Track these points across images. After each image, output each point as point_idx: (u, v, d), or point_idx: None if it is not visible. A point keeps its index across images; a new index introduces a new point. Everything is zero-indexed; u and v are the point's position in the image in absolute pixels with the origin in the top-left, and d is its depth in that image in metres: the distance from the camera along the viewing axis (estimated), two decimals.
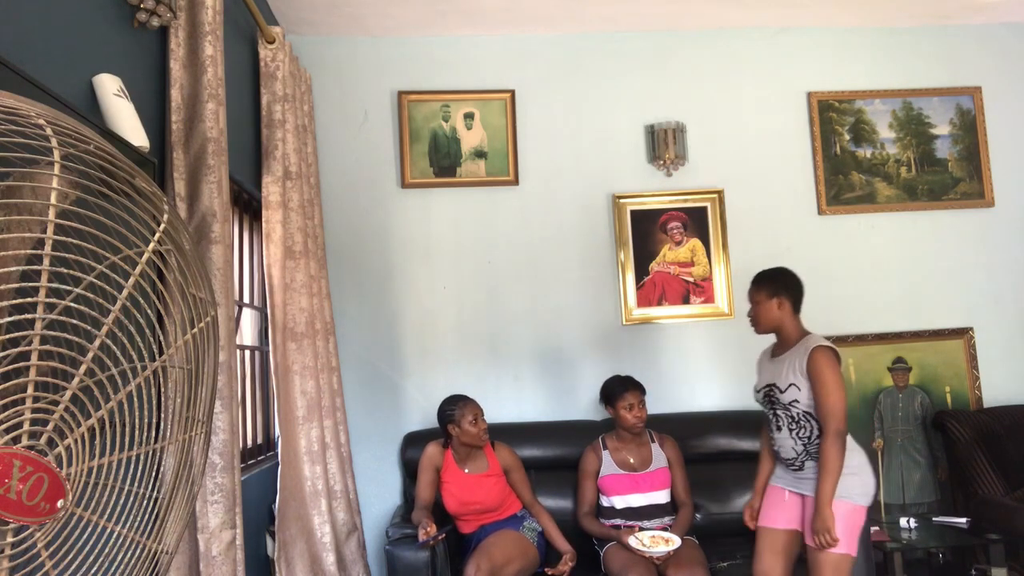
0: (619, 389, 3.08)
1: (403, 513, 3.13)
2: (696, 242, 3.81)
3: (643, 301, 3.76)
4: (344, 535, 3.14)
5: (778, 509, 2.54)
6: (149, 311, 1.16)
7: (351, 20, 3.67)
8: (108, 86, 1.77)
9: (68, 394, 1.02)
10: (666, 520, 3.01)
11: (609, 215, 3.82)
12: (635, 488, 3.04)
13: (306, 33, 3.77)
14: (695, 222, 3.82)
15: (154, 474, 1.21)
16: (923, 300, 3.88)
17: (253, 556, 2.73)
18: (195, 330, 1.27)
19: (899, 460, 3.75)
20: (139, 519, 1.19)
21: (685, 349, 3.76)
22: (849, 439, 2.41)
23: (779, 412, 2.50)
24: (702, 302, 3.78)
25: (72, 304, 1.01)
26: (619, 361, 3.68)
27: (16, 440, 0.97)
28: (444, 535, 2.75)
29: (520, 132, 3.83)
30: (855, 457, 2.40)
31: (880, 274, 3.88)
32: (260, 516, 2.89)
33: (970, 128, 3.99)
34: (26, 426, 0.97)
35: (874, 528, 3.15)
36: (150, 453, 1.20)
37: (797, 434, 2.45)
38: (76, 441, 1.04)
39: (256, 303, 3.19)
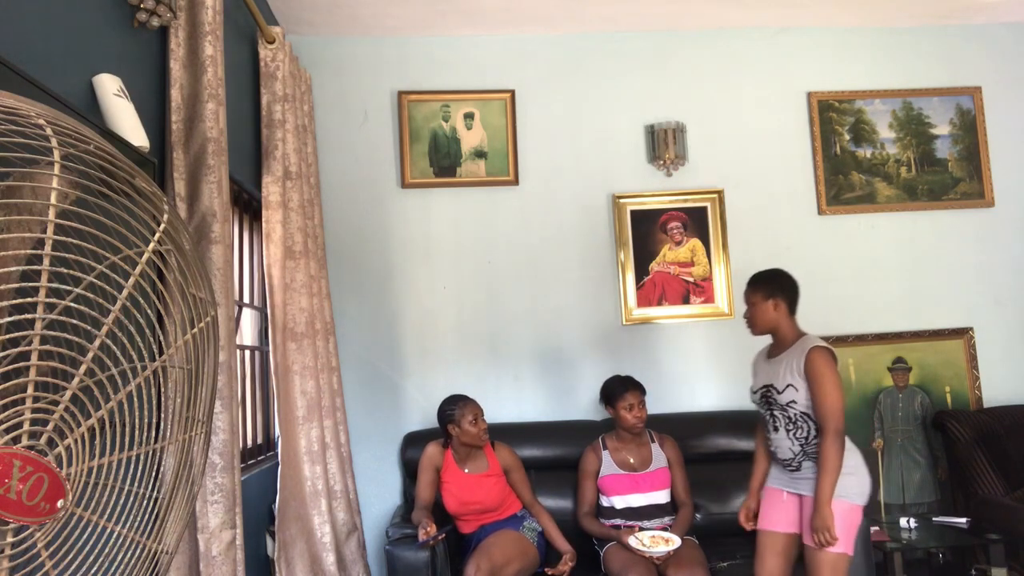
0: (619, 389, 3.08)
1: (403, 513, 3.13)
2: (696, 242, 3.81)
3: (643, 301, 3.76)
4: (344, 535, 3.14)
5: (777, 511, 2.55)
6: (149, 311, 1.16)
7: (351, 20, 3.67)
8: (108, 86, 1.77)
9: (68, 394, 1.02)
10: (666, 520, 3.01)
11: (609, 215, 3.82)
12: (635, 488, 3.04)
13: (306, 33, 3.77)
14: (695, 222, 3.82)
15: (154, 474, 1.21)
16: (923, 300, 3.88)
17: (253, 556, 2.73)
18: (195, 330, 1.27)
19: (899, 460, 3.75)
20: (139, 519, 1.19)
21: (685, 349, 3.76)
22: (846, 439, 2.41)
23: (776, 413, 2.50)
24: (702, 302, 3.78)
25: (72, 304, 1.01)
26: (619, 361, 3.68)
27: (16, 440, 0.97)
28: (444, 535, 2.75)
29: (520, 132, 3.83)
30: (852, 457, 2.42)
31: (880, 274, 3.88)
32: (260, 516, 2.89)
33: (970, 128, 3.99)
34: (26, 426, 0.97)
35: (874, 528, 3.16)
36: (150, 453, 1.20)
37: (794, 435, 2.46)
38: (76, 441, 1.04)
39: (256, 303, 3.19)
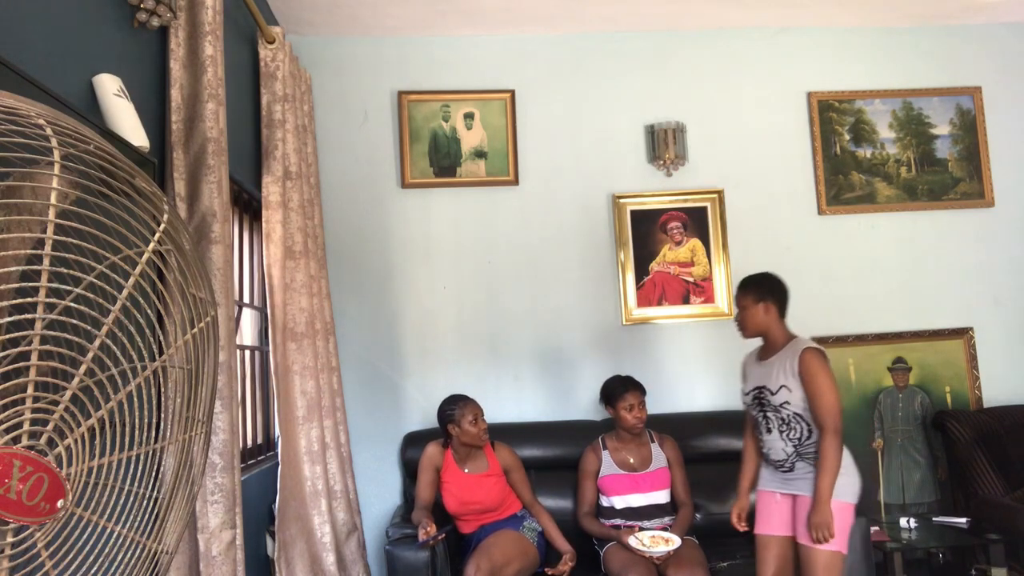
0: (619, 390, 3.08)
1: (403, 513, 3.13)
2: (696, 242, 3.81)
3: (643, 301, 3.76)
4: (344, 535, 3.14)
5: (772, 514, 2.57)
6: (149, 311, 1.16)
7: (351, 20, 3.67)
8: (108, 86, 1.77)
9: (68, 394, 1.02)
10: (666, 520, 3.01)
11: (609, 215, 3.82)
12: (635, 488, 3.04)
13: (306, 33, 3.77)
14: (695, 222, 3.82)
15: (154, 474, 1.21)
16: (923, 300, 3.88)
17: (253, 556, 2.73)
18: (195, 330, 1.27)
19: (899, 460, 3.75)
20: (139, 519, 1.19)
21: (685, 349, 3.76)
22: None
23: (769, 414, 2.53)
24: (702, 302, 3.78)
25: (72, 304, 1.01)
26: (619, 361, 3.68)
27: (16, 440, 0.97)
28: (444, 535, 2.75)
29: (520, 132, 3.83)
30: (844, 457, 2.45)
31: (880, 274, 3.88)
32: (260, 516, 2.89)
33: (970, 128, 3.99)
34: (26, 426, 0.97)
35: (874, 528, 3.16)
36: (150, 453, 1.20)
37: (787, 435, 2.49)
38: (76, 441, 1.04)
39: (256, 303, 3.19)
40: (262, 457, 3.14)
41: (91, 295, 1.03)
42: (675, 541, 2.76)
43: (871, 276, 3.88)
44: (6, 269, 0.95)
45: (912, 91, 3.99)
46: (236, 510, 2.12)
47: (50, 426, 1.01)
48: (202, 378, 1.30)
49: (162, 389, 1.22)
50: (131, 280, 1.10)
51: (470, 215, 3.77)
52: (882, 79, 4.00)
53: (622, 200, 3.80)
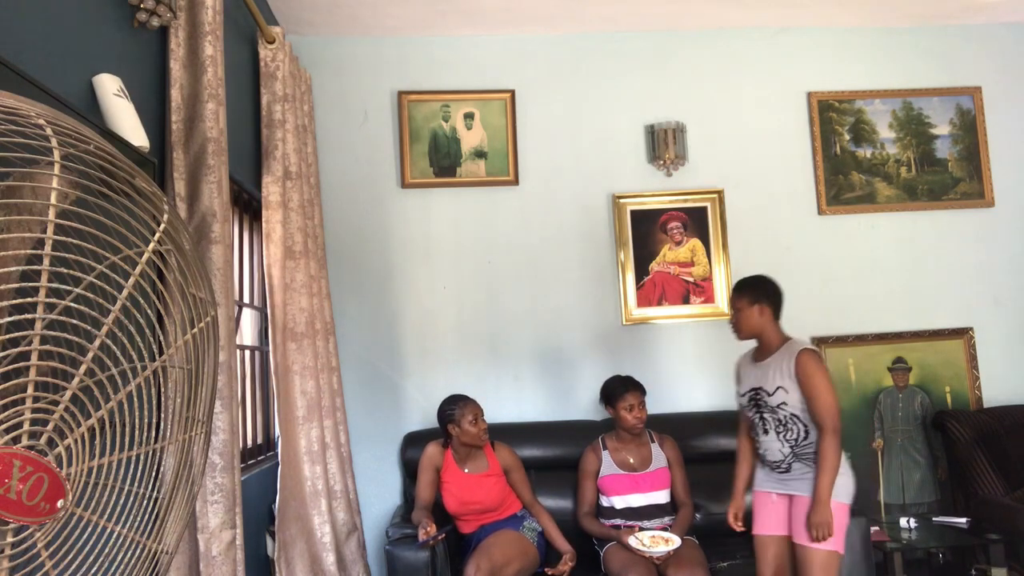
0: (620, 390, 3.08)
1: (403, 513, 3.13)
2: (696, 242, 3.81)
3: (643, 301, 3.76)
4: (344, 535, 3.14)
5: (769, 515, 2.59)
6: (149, 311, 1.16)
7: (351, 20, 3.67)
8: (108, 86, 1.77)
9: (68, 394, 1.02)
10: (666, 520, 3.01)
11: (609, 215, 3.82)
12: (635, 488, 3.04)
13: (306, 33, 3.77)
14: (695, 222, 3.82)
15: (154, 474, 1.21)
16: (923, 300, 3.88)
17: (253, 556, 2.73)
18: (195, 330, 1.27)
19: (899, 460, 3.75)
20: (139, 519, 1.19)
21: (685, 349, 3.76)
22: None
23: (766, 415, 2.55)
24: (702, 302, 3.78)
25: (72, 304, 1.01)
26: (619, 361, 3.68)
27: (16, 440, 0.97)
28: (444, 535, 2.75)
29: (520, 132, 3.83)
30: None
31: (880, 274, 3.88)
32: (260, 516, 2.89)
33: (970, 128, 3.99)
34: (26, 426, 0.97)
35: (874, 528, 3.16)
36: (150, 453, 1.20)
37: (784, 436, 2.50)
38: (76, 441, 1.04)
39: (256, 303, 3.19)
40: (262, 457, 3.14)
41: (91, 295, 1.03)
42: (675, 541, 2.76)
43: (871, 276, 3.88)
44: (6, 269, 0.95)
45: (912, 91, 3.99)
46: (236, 510, 2.12)
47: (50, 426, 1.01)
48: (202, 378, 1.30)
49: (162, 389, 1.22)
50: (131, 280, 1.10)
51: (470, 215, 3.77)
52: (882, 79, 4.00)
53: (622, 200, 3.80)
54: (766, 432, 2.55)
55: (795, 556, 2.48)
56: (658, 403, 3.58)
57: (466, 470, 3.00)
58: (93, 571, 1.08)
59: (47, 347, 0.99)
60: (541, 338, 3.73)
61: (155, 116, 2.13)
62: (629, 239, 3.78)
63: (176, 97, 2.16)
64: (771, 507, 2.58)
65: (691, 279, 3.79)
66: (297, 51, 3.68)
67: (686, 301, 3.78)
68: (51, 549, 1.02)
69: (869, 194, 3.92)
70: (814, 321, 3.83)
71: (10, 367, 0.95)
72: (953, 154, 3.98)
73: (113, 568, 1.14)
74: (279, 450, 2.74)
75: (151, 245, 1.15)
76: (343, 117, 3.79)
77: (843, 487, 2.44)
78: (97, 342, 1.05)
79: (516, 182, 3.78)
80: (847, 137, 3.94)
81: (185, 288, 1.25)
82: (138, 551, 1.19)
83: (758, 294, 2.57)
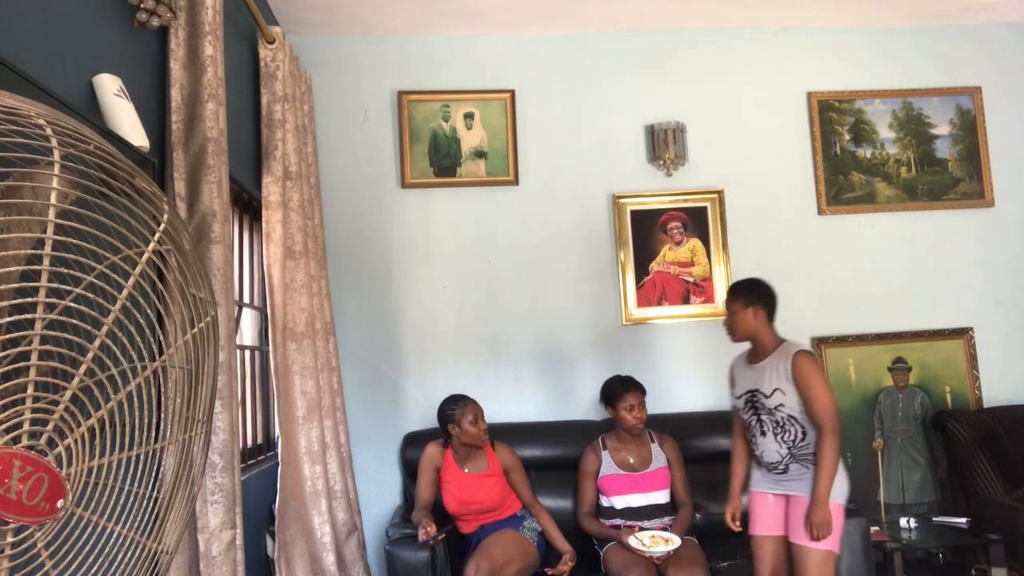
0: (620, 390, 3.08)
1: (403, 513, 3.13)
2: (696, 242, 3.81)
3: (643, 301, 3.76)
4: (344, 535, 3.14)
5: (766, 515, 2.61)
6: (149, 311, 1.16)
7: (351, 20, 3.67)
8: (108, 86, 1.77)
9: (68, 394, 1.02)
10: (666, 520, 3.01)
11: (609, 215, 3.82)
12: (635, 488, 3.04)
13: (306, 33, 3.77)
14: (695, 222, 3.82)
15: (154, 474, 1.21)
16: (923, 300, 3.88)
17: (253, 556, 2.73)
18: (195, 330, 1.27)
19: (899, 460, 3.75)
20: (139, 519, 1.19)
21: (685, 349, 3.76)
22: None
23: (763, 417, 2.56)
24: (702, 302, 3.78)
25: (72, 304, 1.01)
26: (619, 361, 3.68)
27: (16, 440, 0.97)
28: (444, 535, 2.75)
29: (520, 132, 3.83)
30: None
31: (880, 274, 3.88)
32: (260, 516, 2.89)
33: (970, 128, 3.99)
34: (26, 426, 0.97)
35: (874, 528, 3.16)
36: (150, 453, 1.20)
37: (782, 438, 2.52)
38: (76, 441, 1.04)
39: (256, 303, 3.19)
40: (262, 457, 3.14)
41: (91, 295, 1.03)
42: (675, 541, 2.76)
43: (871, 276, 3.88)
44: (6, 269, 0.95)
45: (912, 91, 3.99)
46: (236, 510, 2.12)
47: (50, 426, 1.01)
48: (202, 378, 1.30)
49: (162, 389, 1.22)
50: (131, 280, 1.10)
51: (470, 215, 3.77)
52: (882, 79, 4.00)
53: (622, 200, 3.80)
54: (763, 434, 2.56)
55: (792, 556, 2.50)
56: (658, 403, 3.58)
57: (466, 470, 3.00)
58: (93, 571, 1.08)
59: (47, 347, 0.99)
60: (541, 338, 3.73)
61: (155, 116, 2.13)
62: (629, 239, 3.78)
63: (176, 97, 2.16)
64: (767, 507, 2.60)
65: (691, 279, 3.79)
66: (297, 51, 3.68)
67: (686, 301, 3.78)
68: (51, 549, 1.02)
69: (869, 194, 3.92)
70: (814, 321, 3.83)
71: (10, 367, 0.95)
72: (953, 154, 3.98)
73: (113, 568, 1.14)
74: (279, 450, 2.74)
75: (151, 245, 1.15)
76: (343, 117, 3.79)
77: (839, 488, 2.46)
78: (97, 342, 1.05)
79: (516, 182, 3.78)
80: (847, 137, 3.94)
81: (185, 288, 1.25)
82: (138, 551, 1.19)
83: (752, 297, 2.59)
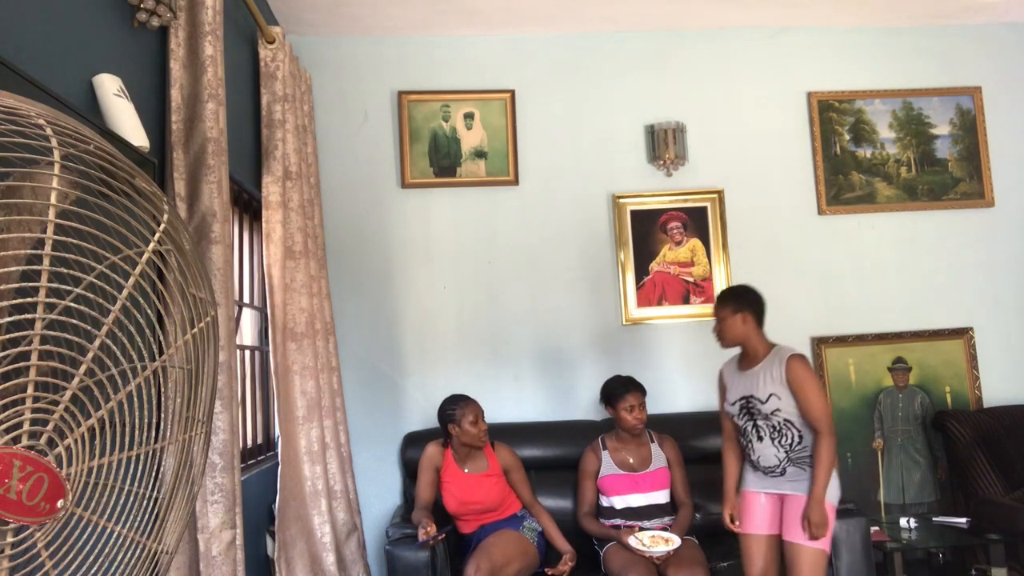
0: (620, 390, 3.07)
1: (403, 513, 3.13)
2: (696, 242, 3.81)
3: (643, 301, 3.76)
4: (344, 535, 3.14)
5: (757, 515, 2.64)
6: (149, 311, 1.16)
7: (351, 20, 3.67)
8: (108, 86, 1.77)
9: (68, 394, 1.02)
10: (666, 520, 3.01)
11: (609, 215, 3.82)
12: (635, 488, 3.04)
13: (306, 33, 3.77)
14: (695, 222, 3.82)
15: (154, 474, 1.21)
16: (923, 300, 3.88)
17: (253, 556, 2.73)
18: (195, 330, 1.27)
19: (899, 460, 3.75)
20: (139, 519, 1.19)
21: (685, 349, 3.76)
22: None
23: (759, 422, 2.58)
24: (702, 302, 3.78)
25: (72, 304, 1.01)
26: (619, 361, 3.68)
27: (16, 440, 0.97)
28: (444, 535, 2.75)
29: (520, 132, 3.83)
30: None
31: (880, 274, 3.88)
32: (260, 516, 2.89)
33: (970, 128, 3.99)
34: (26, 426, 0.97)
35: (874, 528, 3.16)
36: (150, 453, 1.20)
37: (779, 442, 2.55)
38: (76, 441, 1.04)
39: (256, 303, 3.19)
40: (262, 457, 3.14)
41: (91, 295, 1.03)
42: (675, 541, 2.76)
43: (871, 276, 3.88)
44: (6, 269, 0.95)
45: (912, 91, 3.99)
46: (236, 510, 2.12)
47: (50, 426, 1.01)
48: (202, 378, 1.30)
49: (162, 389, 1.22)
50: (131, 280, 1.10)
51: (470, 215, 3.77)
52: (882, 79, 4.00)
53: (622, 200, 3.80)
54: (760, 439, 2.59)
55: (785, 554, 2.53)
56: (658, 403, 3.58)
57: (466, 470, 3.00)
58: (93, 571, 1.08)
59: (47, 347, 0.99)
60: (541, 338, 3.73)
61: (155, 116, 2.13)
62: (629, 239, 3.78)
63: (176, 97, 2.16)
64: (759, 507, 2.64)
65: (691, 279, 3.79)
66: (297, 51, 3.68)
67: (686, 301, 3.78)
68: (51, 549, 1.02)
69: (869, 194, 3.92)
70: (814, 321, 3.83)
71: (10, 367, 0.95)
72: (953, 154, 3.98)
73: (113, 568, 1.14)
74: (279, 450, 2.74)
75: (151, 245, 1.15)
76: (343, 117, 3.79)
77: (832, 488, 2.51)
78: (97, 342, 1.05)
79: (516, 182, 3.78)
80: (847, 137, 3.94)
81: (185, 288, 1.25)
82: (138, 551, 1.19)
83: (741, 303, 2.62)
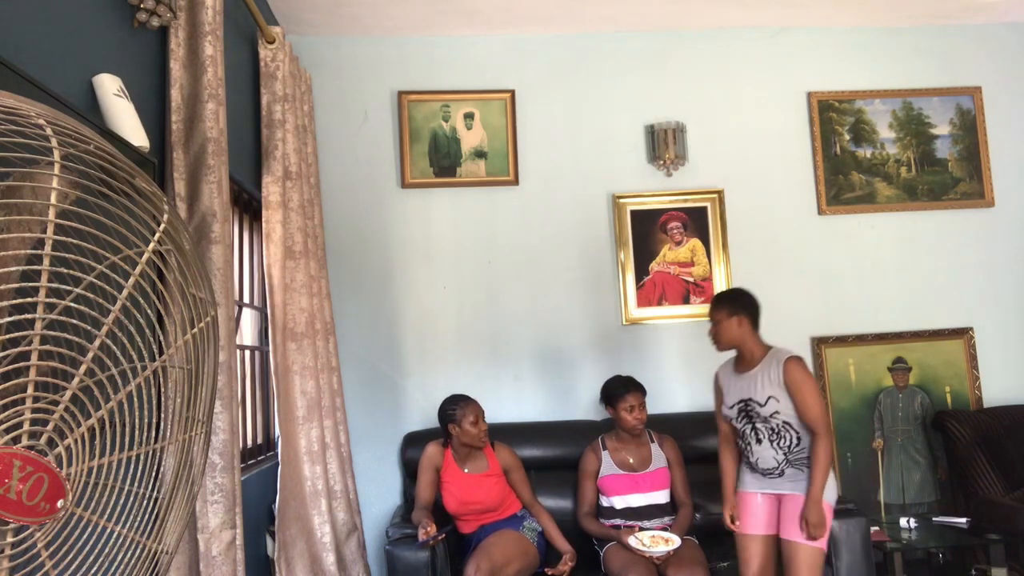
0: (620, 391, 3.07)
1: (403, 513, 3.13)
2: (696, 242, 3.81)
3: (643, 301, 3.76)
4: (344, 535, 3.14)
5: (754, 515, 2.65)
6: (149, 311, 1.16)
7: (351, 20, 3.67)
8: (108, 86, 1.77)
9: (68, 394, 1.02)
10: (666, 520, 3.01)
11: (609, 215, 3.82)
12: (635, 488, 3.04)
13: (306, 33, 3.77)
14: (695, 222, 3.82)
15: (154, 474, 1.21)
16: (923, 300, 3.88)
17: (253, 556, 2.73)
18: (195, 330, 1.27)
19: (899, 460, 3.75)
20: (139, 519, 1.19)
21: (685, 349, 3.76)
22: None
23: (758, 425, 2.60)
24: (702, 302, 3.78)
25: (72, 304, 1.01)
26: (619, 361, 3.68)
27: (16, 440, 0.97)
28: (444, 535, 2.75)
29: (520, 132, 3.83)
30: None
31: (880, 274, 3.88)
32: (260, 516, 2.89)
33: (970, 128, 3.99)
34: (26, 426, 0.97)
35: (874, 528, 3.16)
36: (150, 453, 1.20)
37: (778, 444, 2.57)
38: (76, 441, 1.04)
39: (256, 303, 3.19)
40: (262, 457, 3.14)
41: (91, 295, 1.03)
42: (675, 541, 2.76)
43: (871, 276, 3.88)
44: (6, 269, 0.95)
45: (912, 91, 3.99)
46: (236, 510, 2.12)
47: (50, 426, 1.01)
48: (202, 378, 1.30)
49: (162, 389, 1.22)
50: (131, 280, 1.10)
51: (470, 215, 3.77)
52: (882, 79, 4.00)
53: (622, 200, 3.80)
54: (759, 442, 2.61)
55: (783, 552, 2.55)
56: (658, 403, 3.58)
57: (466, 470, 3.00)
58: (93, 571, 1.08)
59: (47, 347, 0.99)
60: (541, 338, 3.73)
61: (155, 116, 2.13)
62: (629, 239, 3.78)
63: (176, 97, 2.16)
64: (755, 508, 2.65)
65: (691, 279, 3.79)
66: (297, 51, 3.68)
67: (686, 301, 3.78)
68: (51, 549, 1.02)
69: (869, 194, 3.92)
70: (814, 321, 3.83)
71: (10, 367, 0.95)
72: (953, 154, 3.98)
73: (113, 568, 1.14)
74: (279, 450, 2.74)
75: (151, 245, 1.15)
76: (343, 117, 3.79)
77: (829, 488, 2.53)
78: (97, 342, 1.05)
79: (516, 182, 3.78)
80: (847, 137, 3.94)
81: (185, 288, 1.25)
82: (138, 551, 1.19)
83: (736, 306, 2.64)
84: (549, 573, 2.81)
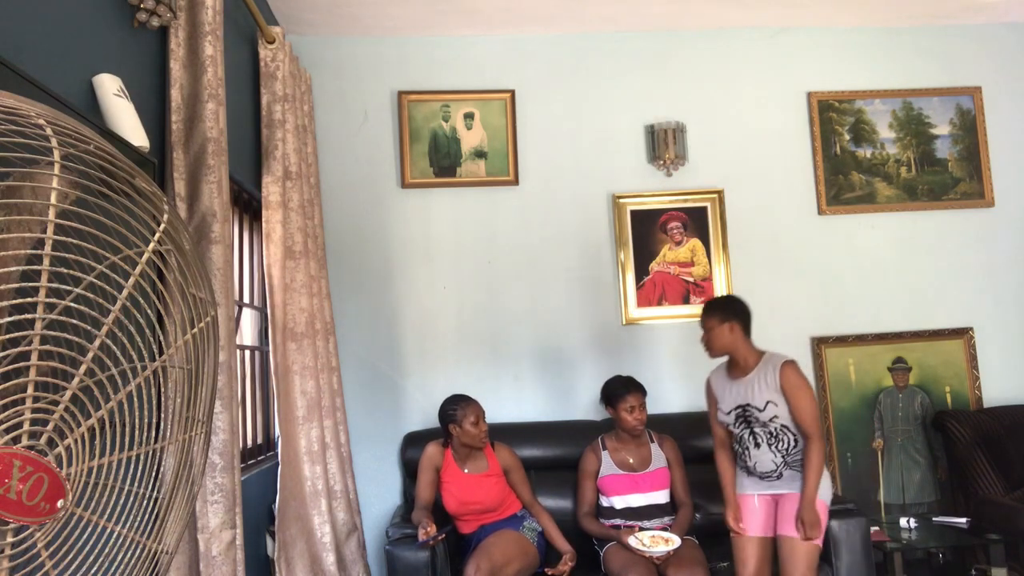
0: (621, 391, 3.07)
1: (403, 513, 3.13)
2: (696, 242, 3.81)
3: (643, 301, 3.76)
4: (344, 535, 3.14)
5: (752, 517, 2.68)
6: (149, 311, 1.16)
7: (351, 20, 3.67)
8: (108, 86, 1.77)
9: (68, 394, 1.02)
10: (666, 520, 3.01)
11: (609, 215, 3.82)
12: (635, 488, 3.04)
13: (306, 33, 3.77)
14: (695, 222, 3.82)
15: (154, 474, 1.21)
16: (923, 300, 3.88)
17: (253, 556, 2.73)
18: (195, 330, 1.27)
19: (899, 460, 3.75)
20: (139, 519, 1.19)
21: (685, 349, 3.76)
22: None
23: (757, 430, 2.63)
24: (702, 302, 3.77)
25: (72, 304, 1.01)
26: (619, 361, 3.68)
27: (16, 440, 0.97)
28: (444, 535, 2.75)
29: (520, 132, 3.83)
30: None
31: (880, 274, 3.88)
32: (260, 516, 2.89)
33: (970, 128, 3.99)
34: (26, 426, 0.97)
35: (874, 528, 3.16)
36: (150, 453, 1.20)
37: (776, 447, 2.61)
38: (76, 441, 1.04)
39: (256, 303, 3.19)
40: (262, 457, 3.14)
41: (91, 295, 1.03)
42: (675, 541, 2.76)
43: (871, 276, 3.88)
44: (6, 269, 0.95)
45: (912, 91, 3.99)
46: (236, 510, 2.12)
47: (50, 426, 1.01)
48: (202, 378, 1.30)
49: (162, 389, 1.22)
50: (131, 280, 1.10)
51: (470, 215, 3.77)
52: (882, 79, 4.00)
53: (622, 200, 3.80)
54: (757, 446, 2.64)
55: (780, 550, 2.58)
56: (658, 403, 3.58)
57: (466, 470, 3.00)
58: (93, 571, 1.08)
59: (47, 347, 0.99)
60: (541, 338, 3.73)
61: (155, 116, 2.13)
62: (629, 239, 3.78)
63: (176, 97, 2.16)
64: (753, 510, 2.68)
65: (691, 279, 3.79)
66: (297, 51, 3.68)
67: (686, 301, 3.78)
68: (51, 549, 1.02)
69: (869, 194, 3.92)
70: (814, 321, 3.83)
71: (10, 367, 0.95)
72: (953, 154, 3.98)
73: (113, 568, 1.14)
74: (279, 450, 2.74)
75: (151, 245, 1.15)
76: (343, 117, 3.79)
77: (824, 488, 2.57)
78: (97, 342, 1.05)
79: (516, 182, 3.78)
80: (847, 137, 3.94)
81: (185, 288, 1.25)
82: (138, 551, 1.19)
83: (728, 313, 2.66)
84: (549, 573, 2.81)
